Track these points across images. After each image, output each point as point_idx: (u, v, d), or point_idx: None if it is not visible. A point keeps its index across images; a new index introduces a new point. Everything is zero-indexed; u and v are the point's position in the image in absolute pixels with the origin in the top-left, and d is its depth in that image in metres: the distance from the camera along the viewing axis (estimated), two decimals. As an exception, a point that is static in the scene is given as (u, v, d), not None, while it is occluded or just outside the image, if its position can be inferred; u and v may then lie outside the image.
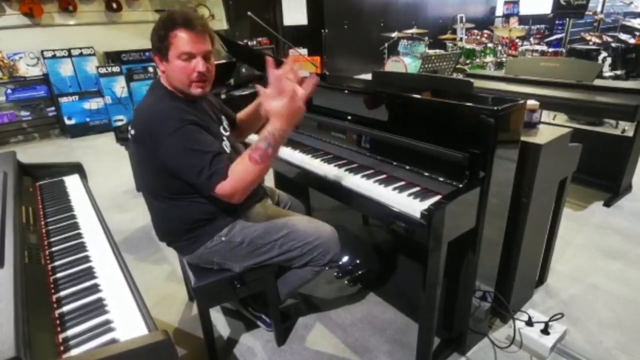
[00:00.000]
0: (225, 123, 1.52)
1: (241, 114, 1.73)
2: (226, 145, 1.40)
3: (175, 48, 1.23)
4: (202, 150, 1.22)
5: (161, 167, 1.26)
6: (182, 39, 1.22)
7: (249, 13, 3.34)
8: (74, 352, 0.81)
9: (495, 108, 1.19)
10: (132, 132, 1.32)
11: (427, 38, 6.22)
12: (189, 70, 1.25)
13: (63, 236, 1.26)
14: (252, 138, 1.95)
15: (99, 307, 0.94)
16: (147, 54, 5.52)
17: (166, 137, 1.21)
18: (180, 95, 1.33)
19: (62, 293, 0.99)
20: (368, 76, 2.06)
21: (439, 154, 1.30)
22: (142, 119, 1.29)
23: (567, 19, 6.12)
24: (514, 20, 8.36)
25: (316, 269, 1.53)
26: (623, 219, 2.58)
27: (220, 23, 6.27)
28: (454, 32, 7.50)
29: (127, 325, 0.88)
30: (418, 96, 1.45)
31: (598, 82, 2.75)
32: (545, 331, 1.60)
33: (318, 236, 1.49)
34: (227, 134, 1.49)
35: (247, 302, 1.80)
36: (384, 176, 1.47)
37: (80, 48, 5.11)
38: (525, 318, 1.66)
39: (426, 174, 1.37)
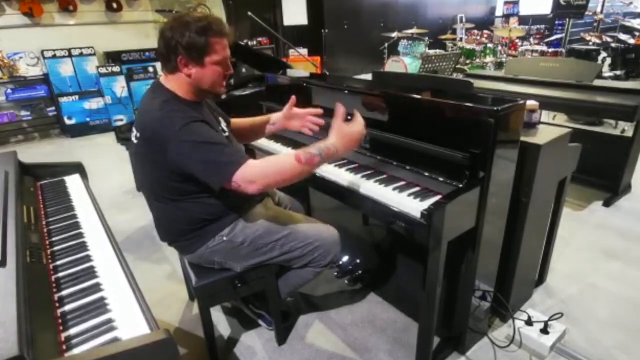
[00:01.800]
0: (223, 124, 1.53)
1: (246, 122, 1.71)
2: None
3: (215, 54, 1.26)
4: (211, 142, 1.21)
5: (170, 169, 1.25)
6: (222, 46, 1.27)
7: (249, 13, 3.34)
8: (76, 350, 0.82)
9: (495, 108, 1.19)
10: (137, 134, 1.30)
11: (427, 38, 6.22)
12: (221, 74, 1.31)
13: (64, 235, 1.27)
14: (261, 143, 1.94)
15: (100, 306, 0.94)
16: (147, 53, 5.52)
17: (174, 135, 1.20)
18: (186, 98, 1.32)
19: (64, 292, 0.99)
20: (368, 76, 2.06)
21: (439, 154, 1.31)
22: (148, 122, 1.27)
23: (567, 19, 6.12)
24: (513, 20, 8.37)
25: (317, 269, 1.54)
26: (622, 219, 2.59)
27: (220, 23, 6.26)
28: (454, 32, 7.51)
29: (129, 324, 0.88)
30: (418, 96, 1.45)
31: (597, 82, 2.76)
32: (544, 330, 1.60)
33: (319, 237, 1.49)
34: (227, 134, 1.50)
35: (249, 299, 1.80)
36: (384, 176, 1.48)
37: (81, 48, 5.11)
38: (525, 317, 1.66)
39: (426, 173, 1.37)
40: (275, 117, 1.70)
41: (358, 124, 1.32)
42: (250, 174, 1.20)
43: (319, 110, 1.63)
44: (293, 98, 1.62)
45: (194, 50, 1.23)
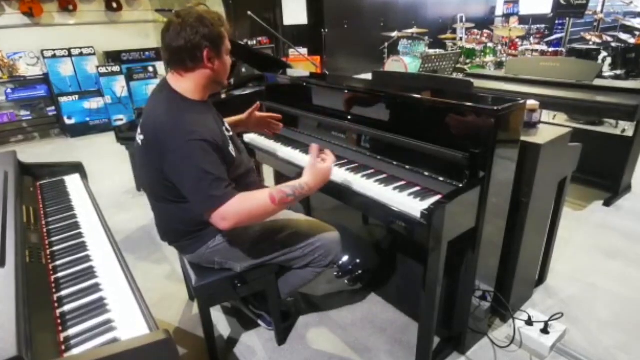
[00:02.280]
0: (226, 124, 1.52)
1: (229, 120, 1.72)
2: (232, 150, 1.37)
3: (225, 45, 1.30)
4: (205, 171, 1.19)
5: (166, 176, 1.26)
6: (227, 37, 1.30)
7: (249, 12, 3.34)
8: (75, 351, 0.82)
9: (495, 108, 1.19)
10: (142, 137, 1.30)
11: (427, 38, 6.22)
12: (230, 63, 1.35)
13: (64, 236, 1.27)
14: (262, 143, 1.94)
15: (100, 306, 0.94)
16: (147, 53, 5.52)
17: (174, 150, 1.20)
18: (194, 99, 1.30)
19: (63, 292, 0.99)
20: (368, 76, 2.06)
21: (439, 153, 1.30)
22: (153, 127, 1.26)
23: (567, 19, 6.12)
24: (514, 20, 8.35)
25: (317, 270, 1.54)
26: (623, 219, 2.58)
27: (220, 22, 6.26)
28: (454, 31, 7.50)
29: (128, 325, 0.88)
30: (418, 96, 1.45)
31: (598, 81, 2.75)
32: (544, 330, 1.60)
33: (320, 237, 1.49)
34: (230, 134, 1.48)
35: (248, 300, 1.80)
36: (384, 176, 1.47)
37: (81, 47, 5.11)
38: (525, 317, 1.66)
39: (426, 173, 1.37)
40: (236, 120, 1.77)
41: (329, 161, 1.38)
42: (225, 213, 1.20)
43: (278, 116, 1.79)
44: (257, 104, 1.75)
45: (218, 41, 1.26)
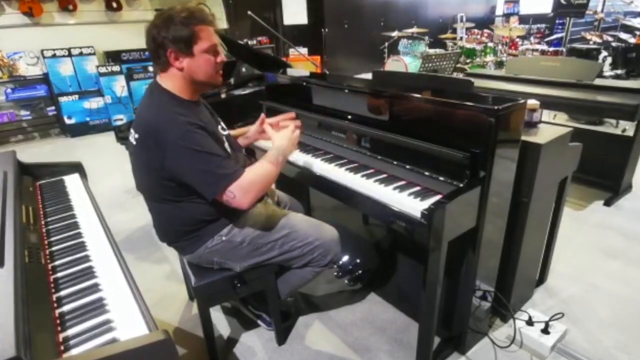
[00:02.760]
0: (222, 123, 1.52)
1: (236, 132, 1.75)
2: (227, 147, 1.40)
3: (203, 42, 1.26)
4: (209, 153, 1.22)
5: (167, 172, 1.25)
6: (208, 33, 1.27)
7: (249, 12, 3.34)
8: (74, 351, 0.82)
9: (496, 107, 1.18)
10: (136, 136, 1.30)
11: (427, 37, 6.21)
12: (213, 62, 1.30)
13: (63, 235, 1.26)
14: (261, 143, 1.91)
15: (99, 306, 0.94)
16: (147, 53, 5.50)
17: (173, 142, 1.20)
18: (183, 98, 1.32)
19: (63, 292, 0.99)
20: (368, 75, 2.06)
21: (440, 153, 1.30)
22: (146, 124, 1.27)
23: (568, 18, 6.11)
24: (514, 20, 8.36)
25: (316, 269, 1.53)
26: (623, 219, 2.58)
27: (220, 22, 6.27)
28: (454, 31, 7.50)
29: (128, 325, 0.88)
30: (418, 96, 1.45)
31: (598, 81, 2.75)
32: (545, 331, 1.60)
33: (319, 237, 1.49)
34: (226, 132, 1.49)
35: (248, 300, 1.80)
36: (384, 175, 1.47)
37: (80, 47, 5.11)
38: (526, 317, 1.66)
39: (426, 173, 1.37)
40: (249, 130, 1.76)
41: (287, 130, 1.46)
42: (242, 186, 1.24)
43: (292, 114, 1.69)
44: (262, 116, 1.69)
45: (181, 41, 1.23)
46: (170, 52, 1.24)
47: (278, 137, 1.44)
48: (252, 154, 2.07)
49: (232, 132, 1.70)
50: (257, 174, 1.29)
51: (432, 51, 5.82)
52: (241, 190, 1.24)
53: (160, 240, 1.50)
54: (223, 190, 1.23)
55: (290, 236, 1.46)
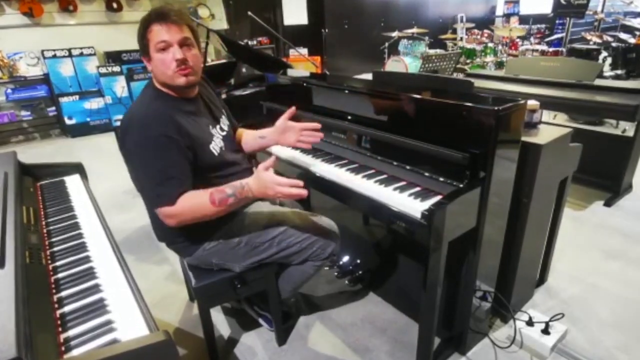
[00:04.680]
0: (224, 124, 1.51)
1: (251, 133, 1.66)
2: (214, 148, 1.38)
3: (152, 42, 1.24)
4: (159, 169, 1.22)
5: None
6: (156, 31, 1.24)
7: (249, 13, 3.34)
8: (75, 352, 0.82)
9: (496, 108, 1.18)
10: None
11: (427, 38, 6.21)
12: (167, 61, 1.24)
13: (64, 236, 1.26)
14: (275, 149, 1.82)
15: (100, 307, 0.94)
16: (147, 53, 5.52)
17: (131, 142, 1.24)
18: (172, 94, 1.32)
19: (63, 293, 0.99)
20: (368, 76, 2.06)
21: (440, 154, 1.30)
22: (125, 117, 1.30)
23: (568, 19, 6.11)
24: (514, 20, 8.36)
25: (317, 263, 1.52)
26: (623, 219, 2.58)
27: (220, 23, 6.27)
28: (455, 31, 7.49)
29: (128, 326, 0.88)
30: (418, 96, 1.45)
31: (598, 81, 2.75)
32: (545, 331, 1.60)
33: (317, 230, 1.48)
34: (224, 133, 1.47)
35: (254, 301, 1.79)
36: (384, 176, 1.47)
37: (81, 48, 5.11)
38: (526, 318, 1.66)
39: (427, 174, 1.37)
40: (266, 131, 1.59)
41: (273, 176, 1.25)
42: (169, 211, 1.23)
43: (317, 125, 1.52)
44: (293, 109, 1.53)
45: (141, 44, 1.26)
46: (141, 56, 1.30)
47: (260, 176, 1.24)
48: (252, 155, 2.07)
49: (251, 132, 1.64)
50: (190, 207, 1.24)
51: (432, 51, 5.82)
52: (164, 214, 1.24)
53: (158, 240, 1.50)
54: (155, 207, 1.25)
55: (287, 232, 1.46)
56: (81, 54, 5.12)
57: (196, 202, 1.25)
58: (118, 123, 4.98)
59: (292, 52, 6.01)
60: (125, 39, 5.43)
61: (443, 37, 6.94)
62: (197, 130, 1.34)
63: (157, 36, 1.23)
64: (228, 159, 1.44)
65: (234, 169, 1.46)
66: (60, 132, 5.28)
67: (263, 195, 1.27)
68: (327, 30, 6.95)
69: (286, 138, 1.55)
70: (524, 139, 1.38)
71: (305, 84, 1.95)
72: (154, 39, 1.24)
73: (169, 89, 1.32)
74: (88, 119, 5.15)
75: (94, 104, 5.15)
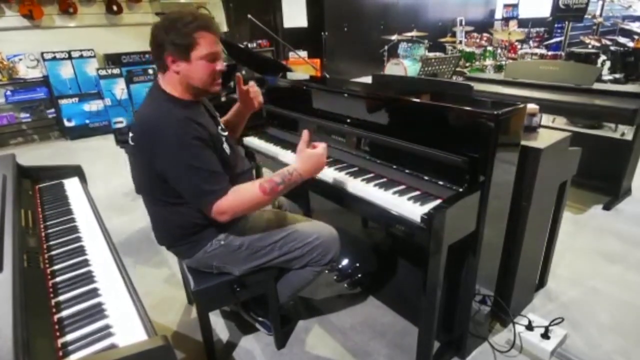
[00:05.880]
0: (222, 124, 1.52)
1: (226, 117, 1.73)
2: (226, 148, 1.40)
3: (201, 49, 1.25)
4: (199, 167, 1.23)
5: (159, 174, 1.27)
6: (209, 40, 1.25)
7: (249, 15, 3.35)
8: (73, 357, 0.81)
9: (495, 112, 1.18)
10: (131, 134, 1.32)
11: (426, 41, 6.23)
12: (212, 70, 1.29)
13: (62, 240, 1.26)
14: (260, 145, 1.93)
15: (98, 311, 0.93)
16: (147, 56, 5.52)
17: (166, 148, 1.22)
18: (182, 99, 1.32)
19: (61, 297, 0.98)
20: (368, 79, 2.06)
21: (439, 157, 1.30)
22: (142, 125, 1.28)
23: (567, 22, 6.13)
24: (513, 23, 8.40)
25: (317, 269, 1.52)
26: (623, 223, 2.58)
27: (220, 25, 6.26)
28: (454, 34, 7.52)
29: (127, 330, 0.88)
30: (418, 100, 1.45)
31: (597, 85, 2.76)
32: (545, 335, 1.59)
33: (318, 236, 1.48)
34: (226, 134, 1.49)
35: (250, 307, 1.79)
36: (383, 180, 1.47)
37: (81, 50, 5.11)
38: (526, 322, 1.65)
39: (426, 177, 1.37)
40: (234, 109, 1.71)
41: (320, 148, 1.35)
42: (222, 207, 1.25)
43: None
44: (238, 75, 1.61)
45: (180, 45, 1.24)
46: (168, 54, 1.25)
47: (305, 156, 1.32)
48: (252, 157, 2.07)
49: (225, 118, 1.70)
50: (242, 199, 1.27)
51: (431, 54, 5.84)
52: (217, 210, 1.25)
53: (158, 243, 1.50)
54: (206, 206, 1.26)
55: (289, 237, 1.46)
56: (81, 56, 5.12)
57: (246, 195, 1.28)
58: (118, 125, 5.00)
59: (291, 54, 6.02)
60: (125, 41, 5.44)
61: (442, 40, 6.97)
62: (214, 130, 1.37)
63: (209, 46, 1.26)
64: (237, 156, 1.48)
65: (241, 168, 1.49)
66: (60, 134, 5.27)
67: (315, 172, 1.35)
68: (326, 33, 6.97)
69: (249, 105, 1.68)
70: (523, 142, 1.39)
71: (304, 87, 1.95)
72: (205, 46, 1.25)
73: (183, 94, 1.32)
74: (87, 121, 5.15)
75: (94, 106, 5.14)
